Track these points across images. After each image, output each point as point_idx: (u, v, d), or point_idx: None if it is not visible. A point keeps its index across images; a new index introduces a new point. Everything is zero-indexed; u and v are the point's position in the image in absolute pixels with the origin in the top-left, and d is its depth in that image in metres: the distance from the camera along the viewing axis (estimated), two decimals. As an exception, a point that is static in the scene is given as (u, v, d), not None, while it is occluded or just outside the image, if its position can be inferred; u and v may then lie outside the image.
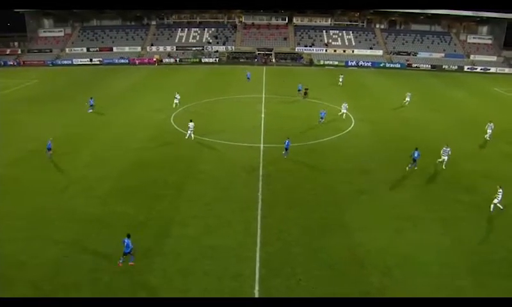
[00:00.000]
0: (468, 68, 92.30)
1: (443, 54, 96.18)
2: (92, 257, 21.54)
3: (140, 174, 31.37)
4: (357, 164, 34.30)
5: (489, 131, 41.51)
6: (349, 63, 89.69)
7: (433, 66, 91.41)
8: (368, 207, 27.35)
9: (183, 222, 24.97)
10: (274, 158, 34.68)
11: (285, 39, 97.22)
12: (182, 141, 38.40)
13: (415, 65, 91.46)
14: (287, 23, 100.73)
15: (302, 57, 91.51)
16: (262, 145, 37.70)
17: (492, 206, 27.01)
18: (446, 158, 33.38)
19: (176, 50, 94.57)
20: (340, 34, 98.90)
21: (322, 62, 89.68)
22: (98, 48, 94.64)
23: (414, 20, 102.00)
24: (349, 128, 43.55)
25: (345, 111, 46.21)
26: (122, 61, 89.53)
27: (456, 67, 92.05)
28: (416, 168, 33.26)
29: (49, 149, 33.61)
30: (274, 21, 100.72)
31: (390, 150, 37.80)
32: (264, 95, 57.62)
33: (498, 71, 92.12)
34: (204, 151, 36.35)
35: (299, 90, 57.16)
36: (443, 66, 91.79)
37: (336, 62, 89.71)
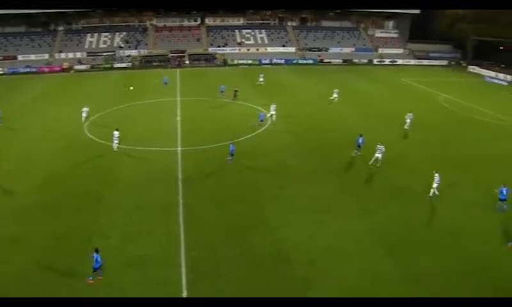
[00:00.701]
0: (377, 61, 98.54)
1: (353, 49, 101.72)
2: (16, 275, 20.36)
3: (56, 188, 30.03)
4: (277, 160, 35.48)
5: (408, 121, 44.71)
6: (263, 61, 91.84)
7: (345, 61, 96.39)
8: (289, 202, 28.45)
9: (104, 234, 24.37)
10: (194, 161, 34.87)
11: (198, 40, 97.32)
12: (98, 151, 37.22)
13: (327, 60, 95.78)
14: (199, 25, 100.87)
15: (216, 58, 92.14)
16: (180, 148, 37.67)
17: (432, 191, 29.34)
18: (380, 156, 34.22)
19: (87, 56, 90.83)
20: (252, 33, 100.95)
21: (236, 62, 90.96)
22: (1, 57, 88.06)
23: (324, 17, 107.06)
24: (268, 126, 44.74)
25: (274, 112, 45.48)
26: (28, 69, 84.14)
27: (366, 60, 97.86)
28: (360, 154, 35.92)
29: None
30: (186, 22, 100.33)
31: (309, 145, 39.51)
32: (179, 98, 57.38)
33: (404, 63, 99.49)
34: (121, 158, 35.56)
35: (221, 91, 57.40)
36: (354, 60, 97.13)
37: (250, 61, 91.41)
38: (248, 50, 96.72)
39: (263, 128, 43.70)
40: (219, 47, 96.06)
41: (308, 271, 21.65)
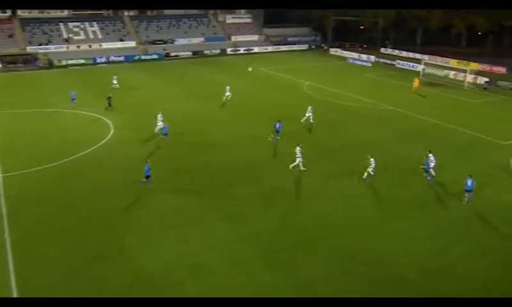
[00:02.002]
0: (231, 51, 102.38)
1: (202, 38, 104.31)
2: None
3: None
4: (128, 174, 34.98)
5: (307, 114, 47.70)
6: (98, 60, 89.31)
7: (194, 53, 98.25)
8: (147, 221, 28.39)
9: None
10: (21, 188, 32.77)
11: (11, 37, 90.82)
12: None
13: (174, 54, 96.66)
14: (10, 16, 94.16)
15: (38, 59, 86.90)
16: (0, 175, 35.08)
17: (366, 174, 33.87)
18: (299, 162, 35.65)
19: None
20: (82, 26, 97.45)
21: (64, 63, 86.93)
22: None
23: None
24: (109, 136, 43.83)
25: (161, 124, 43.68)
26: None
27: (219, 51, 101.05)
28: (279, 138, 41.26)
29: None
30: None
31: (161, 153, 39.63)
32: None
33: (261, 51, 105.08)
34: None
35: (73, 99, 54.45)
36: (205, 52, 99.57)
37: (82, 61, 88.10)
38: (78, 47, 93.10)
39: (104, 140, 42.70)
40: (40, 45, 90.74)
41: (176, 293, 21.94)
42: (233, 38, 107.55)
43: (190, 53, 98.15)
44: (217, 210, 30.10)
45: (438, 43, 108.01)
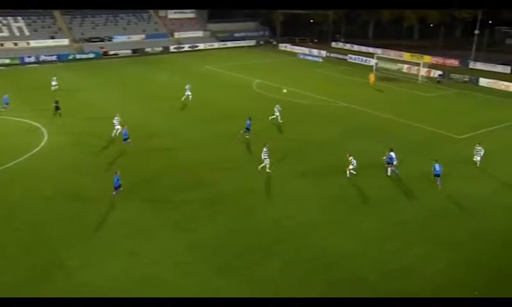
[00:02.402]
0: (174, 48, 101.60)
1: (143, 36, 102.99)
2: None
3: None
4: (64, 184, 34.03)
5: (276, 113, 48.37)
6: (26, 59, 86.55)
7: (134, 51, 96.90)
8: (90, 235, 27.65)
9: None
10: None
11: None
12: None
13: (113, 52, 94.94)
14: None
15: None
16: None
17: (348, 173, 35.00)
18: (267, 161, 36.00)
19: None
20: (5, 21, 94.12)
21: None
22: None
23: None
24: (43, 144, 42.56)
25: (118, 128, 43.11)
26: None
27: (161, 48, 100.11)
28: (248, 136, 42.45)
29: None
30: None
31: (98, 160, 38.74)
32: None
33: (207, 47, 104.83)
34: None
35: (6, 104, 52.21)
36: (147, 49, 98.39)
37: (7, 61, 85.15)
38: (2, 45, 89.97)
39: (38, 148, 41.39)
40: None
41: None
42: (177, 35, 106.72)
43: (130, 51, 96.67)
44: (167, 218, 29.75)
45: (390, 36, 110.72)
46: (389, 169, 35.82)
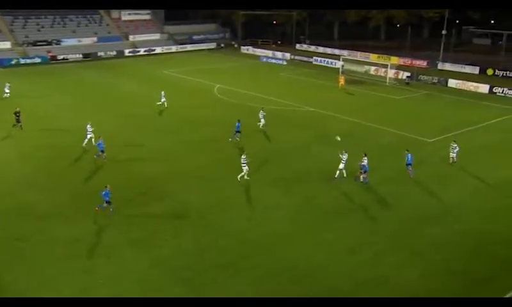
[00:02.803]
0: (129, 52, 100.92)
1: (95, 39, 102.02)
2: None
3: None
4: (13, 201, 33.41)
5: (262, 120, 48.92)
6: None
7: (86, 56, 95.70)
8: (34, 255, 27.00)
9: None
10: None
11: None
12: None
13: (62, 57, 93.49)
14: None
15: None
16: None
17: (337, 172, 36.23)
18: (246, 168, 36.36)
19: None
20: None
21: None
22: None
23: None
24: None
25: (91, 135, 42.91)
26: None
27: (115, 52, 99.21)
28: (238, 139, 44.00)
29: None
30: None
31: (53, 173, 38.19)
32: None
33: (164, 51, 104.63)
34: None
35: None
36: (99, 54, 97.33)
37: None
38: None
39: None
40: None
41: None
42: (131, 38, 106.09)
43: (81, 55, 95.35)
44: (125, 234, 29.29)
45: (356, 36, 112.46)
46: (361, 176, 36.43)
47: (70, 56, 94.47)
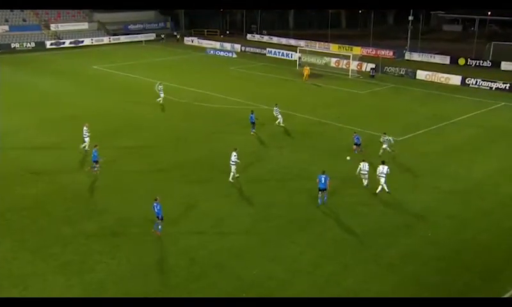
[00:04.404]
0: (52, 45, 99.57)
1: (6, 27, 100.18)
2: None
3: None
4: None
5: (278, 116, 50.68)
6: None
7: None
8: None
9: None
10: None
11: None
12: None
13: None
14: None
15: None
16: None
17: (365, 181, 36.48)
18: (234, 167, 37.26)
19: None
20: None
21: None
22: None
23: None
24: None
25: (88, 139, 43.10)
26: None
27: (33, 44, 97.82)
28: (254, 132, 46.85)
29: None
30: None
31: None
32: None
33: (95, 43, 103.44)
34: None
35: None
36: (13, 46, 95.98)
37: None
38: None
39: None
40: None
41: None
42: (53, 27, 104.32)
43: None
44: (52, 258, 28.52)
45: (314, 25, 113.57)
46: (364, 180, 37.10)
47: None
